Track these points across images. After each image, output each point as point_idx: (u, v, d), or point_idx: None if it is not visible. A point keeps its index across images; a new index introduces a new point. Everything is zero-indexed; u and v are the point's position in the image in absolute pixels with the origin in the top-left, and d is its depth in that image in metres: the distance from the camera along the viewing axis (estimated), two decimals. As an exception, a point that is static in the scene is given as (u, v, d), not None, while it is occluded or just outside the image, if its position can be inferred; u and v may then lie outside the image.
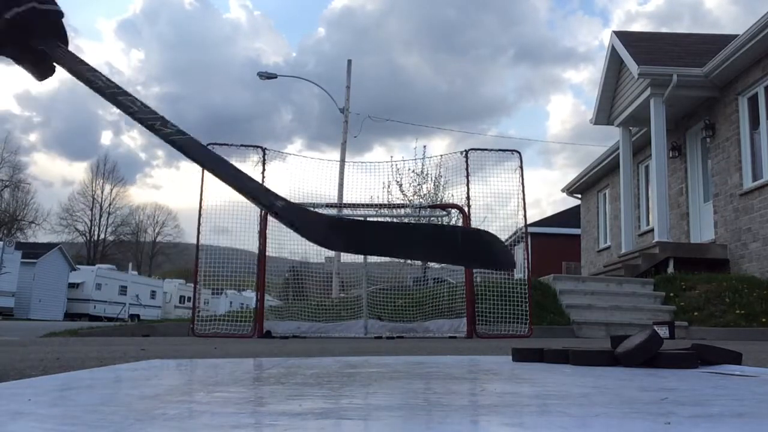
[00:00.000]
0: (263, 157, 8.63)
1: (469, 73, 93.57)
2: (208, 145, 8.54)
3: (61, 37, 1.26)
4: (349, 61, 19.49)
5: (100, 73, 1.18)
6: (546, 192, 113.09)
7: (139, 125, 1.15)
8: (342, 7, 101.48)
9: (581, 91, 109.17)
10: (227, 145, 8.64)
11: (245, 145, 8.75)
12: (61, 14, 1.26)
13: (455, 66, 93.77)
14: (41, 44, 1.23)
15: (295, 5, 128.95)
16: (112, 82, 1.17)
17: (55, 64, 1.25)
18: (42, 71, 1.28)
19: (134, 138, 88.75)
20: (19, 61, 1.25)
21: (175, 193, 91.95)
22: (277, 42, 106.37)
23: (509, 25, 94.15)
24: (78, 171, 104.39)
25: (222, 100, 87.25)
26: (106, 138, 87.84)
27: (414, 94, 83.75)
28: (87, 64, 1.20)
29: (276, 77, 20.10)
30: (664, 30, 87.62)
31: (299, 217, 1.16)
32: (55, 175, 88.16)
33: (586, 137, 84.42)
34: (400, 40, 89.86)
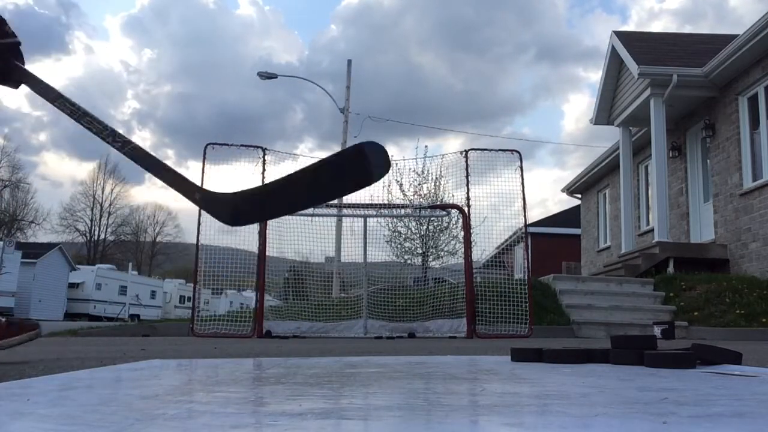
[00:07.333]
0: (263, 157, 8.63)
1: (485, 71, 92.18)
2: (207, 145, 8.56)
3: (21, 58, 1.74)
4: (349, 61, 19.80)
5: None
6: (552, 191, 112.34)
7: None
8: (357, 3, 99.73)
9: (596, 90, 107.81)
10: (227, 145, 8.63)
11: (245, 145, 8.74)
12: (20, 43, 1.75)
13: (471, 64, 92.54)
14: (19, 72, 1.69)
15: (306, 2, 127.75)
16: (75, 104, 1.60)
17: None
18: (15, 85, 1.71)
19: (145, 138, 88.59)
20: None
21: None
22: (290, 40, 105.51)
23: (526, 23, 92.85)
24: (87, 171, 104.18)
25: (235, 99, 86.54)
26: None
27: (429, 93, 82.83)
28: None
29: (276, 77, 20.14)
30: (688, 28, 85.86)
31: (213, 202, 1.35)
32: (64, 175, 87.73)
33: (600, 137, 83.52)
34: (416, 39, 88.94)
